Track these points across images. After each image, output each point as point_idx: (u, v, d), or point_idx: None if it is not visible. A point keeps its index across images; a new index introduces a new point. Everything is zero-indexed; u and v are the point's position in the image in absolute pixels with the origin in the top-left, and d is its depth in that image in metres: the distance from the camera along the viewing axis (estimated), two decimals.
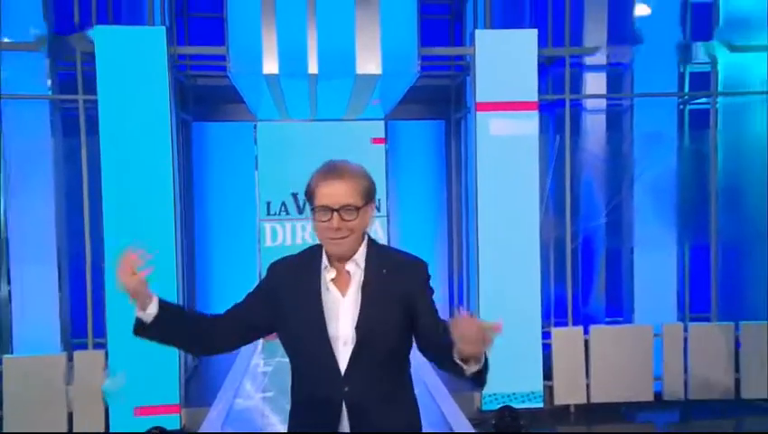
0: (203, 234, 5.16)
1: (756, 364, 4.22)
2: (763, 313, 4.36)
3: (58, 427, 3.75)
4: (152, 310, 1.34)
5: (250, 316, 1.45)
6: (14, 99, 3.91)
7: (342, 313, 1.39)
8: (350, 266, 1.42)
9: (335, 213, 1.35)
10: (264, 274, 1.50)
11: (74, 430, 3.78)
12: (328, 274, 1.42)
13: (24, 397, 3.73)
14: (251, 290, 1.50)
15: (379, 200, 4.22)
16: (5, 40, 3.94)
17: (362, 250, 1.44)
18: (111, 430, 3.75)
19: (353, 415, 1.36)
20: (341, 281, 1.42)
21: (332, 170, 1.39)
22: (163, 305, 1.36)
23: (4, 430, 3.68)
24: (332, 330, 1.37)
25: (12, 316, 3.94)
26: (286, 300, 1.41)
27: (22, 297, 3.95)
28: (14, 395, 3.73)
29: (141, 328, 1.36)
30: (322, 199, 1.36)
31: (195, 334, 1.45)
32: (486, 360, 1.24)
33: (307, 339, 1.38)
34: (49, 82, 4.08)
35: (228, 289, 4.61)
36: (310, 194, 1.40)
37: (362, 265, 1.42)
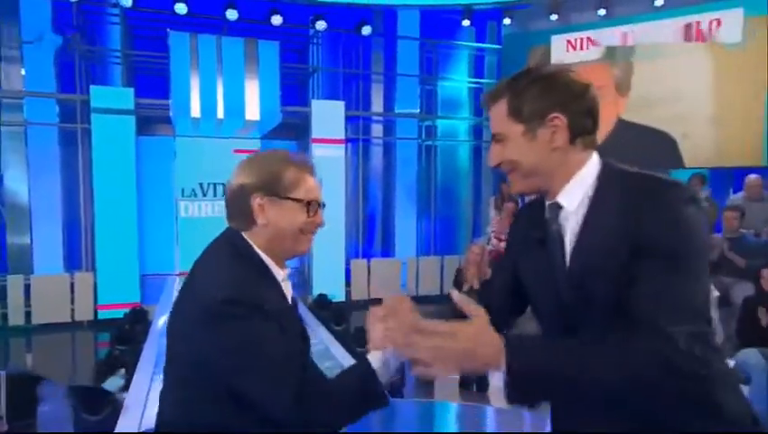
0: (141, 208, 8.02)
1: (449, 277, 8.35)
2: (456, 251, 8.61)
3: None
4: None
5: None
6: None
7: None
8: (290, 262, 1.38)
9: (320, 209, 1.32)
10: (237, 304, 1.16)
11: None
12: (284, 284, 1.32)
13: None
14: (266, 340, 1.17)
15: None
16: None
17: None
18: (99, 318, 6.64)
19: None
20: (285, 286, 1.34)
21: (306, 163, 1.33)
22: None
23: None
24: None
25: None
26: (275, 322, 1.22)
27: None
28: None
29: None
30: (310, 193, 1.30)
31: None
32: None
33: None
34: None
35: (152, 244, 7.70)
36: (288, 183, 1.27)
37: None
